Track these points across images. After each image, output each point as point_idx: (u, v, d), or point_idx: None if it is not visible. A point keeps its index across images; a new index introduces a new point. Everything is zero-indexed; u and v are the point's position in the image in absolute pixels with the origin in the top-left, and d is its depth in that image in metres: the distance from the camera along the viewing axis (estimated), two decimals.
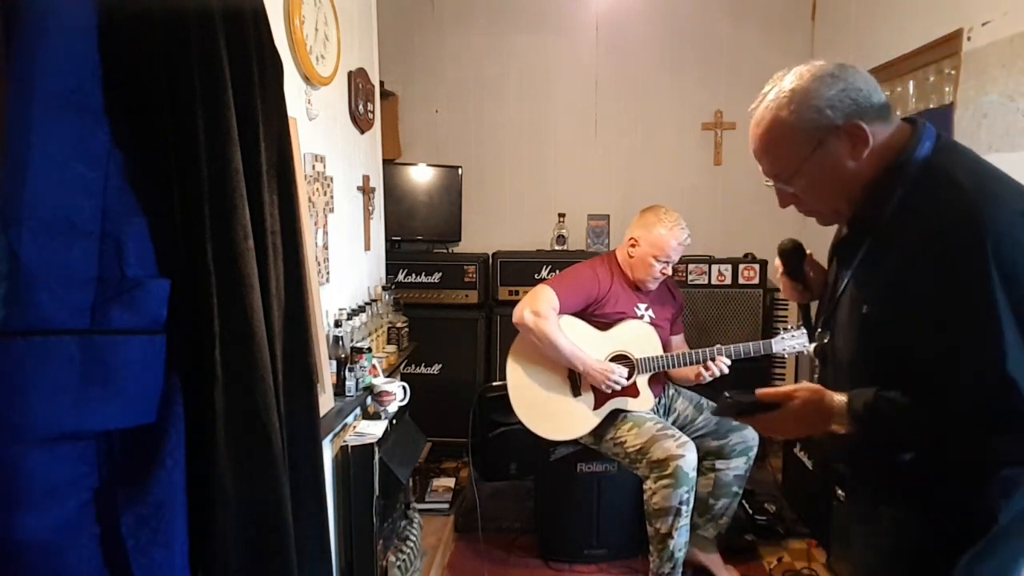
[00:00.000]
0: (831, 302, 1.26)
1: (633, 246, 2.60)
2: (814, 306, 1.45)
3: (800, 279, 1.43)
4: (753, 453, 2.60)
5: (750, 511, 2.89)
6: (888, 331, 1.10)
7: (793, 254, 1.43)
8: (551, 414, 2.58)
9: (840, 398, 1.12)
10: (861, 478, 1.30)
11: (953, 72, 2.33)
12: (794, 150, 1.15)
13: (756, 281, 3.43)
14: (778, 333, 2.49)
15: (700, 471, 2.52)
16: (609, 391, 2.51)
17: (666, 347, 2.67)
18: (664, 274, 2.60)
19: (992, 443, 1.04)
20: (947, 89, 2.41)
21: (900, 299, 1.07)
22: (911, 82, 2.66)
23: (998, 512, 1.07)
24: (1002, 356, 0.97)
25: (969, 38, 2.24)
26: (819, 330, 1.29)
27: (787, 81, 1.15)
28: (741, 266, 3.44)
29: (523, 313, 2.47)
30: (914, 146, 1.12)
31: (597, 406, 2.57)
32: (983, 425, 1.02)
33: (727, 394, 1.23)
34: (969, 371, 1.01)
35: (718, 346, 2.52)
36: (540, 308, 2.46)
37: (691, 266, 3.42)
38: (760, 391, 1.18)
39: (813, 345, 1.31)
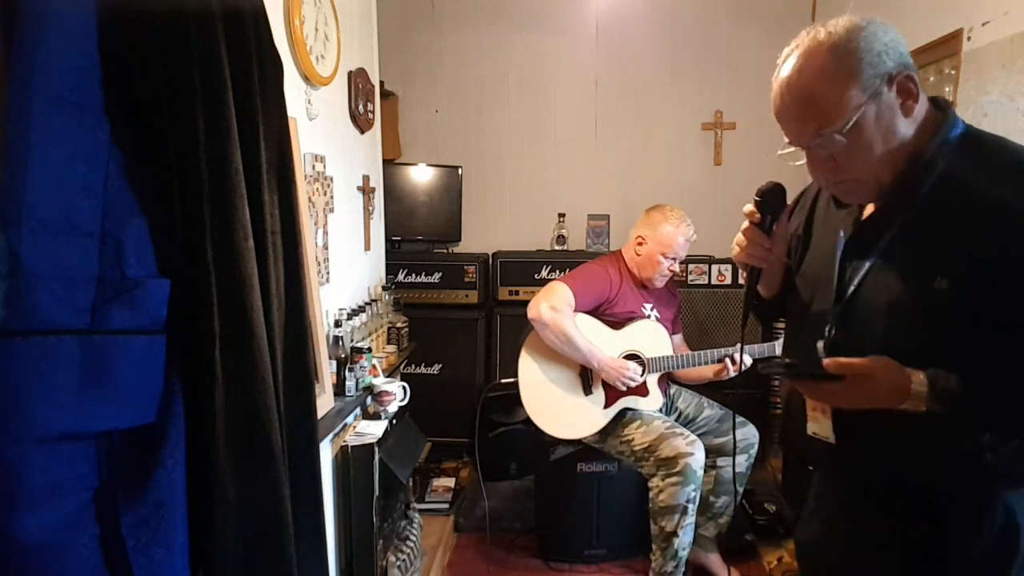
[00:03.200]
0: (841, 295, 1.13)
1: (640, 244, 2.61)
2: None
3: (770, 231, 1.19)
4: (754, 451, 2.61)
5: (750, 511, 2.89)
6: (982, 303, 0.97)
7: (773, 198, 1.18)
8: (561, 411, 2.58)
9: (919, 375, 1.00)
10: (878, 491, 1.19)
11: (953, 72, 2.33)
12: (848, 97, 1.01)
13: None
14: (780, 335, 2.50)
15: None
16: (624, 388, 2.51)
17: (679, 349, 2.68)
18: (671, 271, 2.61)
19: None
20: (947, 89, 2.41)
21: (981, 269, 0.96)
22: None
23: (1020, 530, 1.02)
24: None
25: (969, 38, 2.23)
26: (828, 326, 1.15)
27: (840, 22, 1.04)
28: None
29: (540, 308, 2.46)
30: (951, 124, 1.06)
31: (608, 405, 2.57)
32: None
33: (788, 360, 1.12)
34: None
35: (737, 347, 2.53)
36: (557, 304, 2.46)
37: (691, 266, 3.42)
38: (829, 361, 1.04)
39: (820, 343, 1.14)
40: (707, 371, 2.60)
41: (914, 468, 1.10)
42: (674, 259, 2.59)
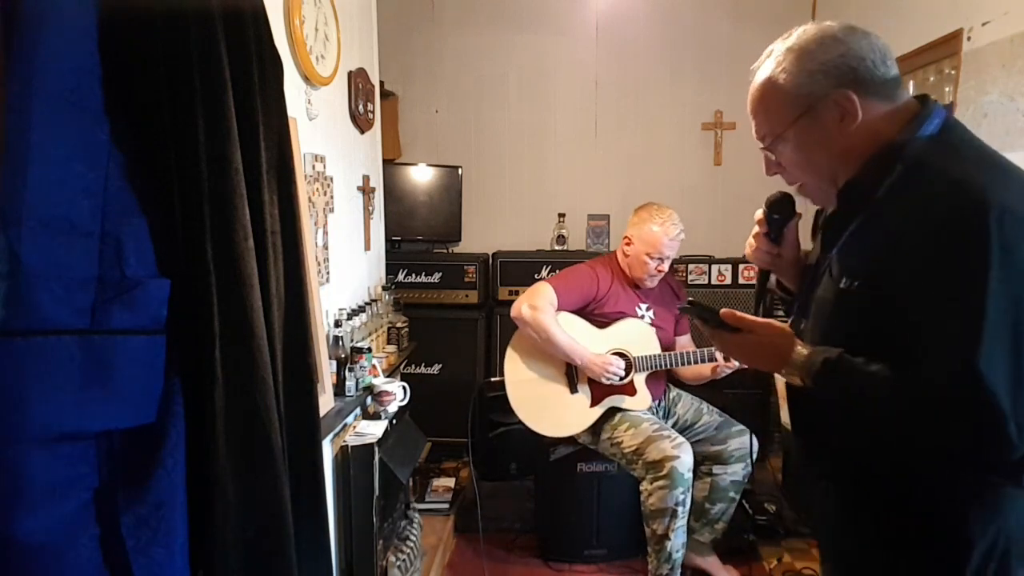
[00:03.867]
0: (810, 284, 1.19)
1: (628, 244, 2.61)
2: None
3: (778, 237, 1.29)
4: (751, 460, 2.60)
5: (750, 511, 2.89)
6: (868, 306, 1.02)
7: (779, 204, 1.27)
8: (548, 410, 2.58)
9: (803, 349, 1.07)
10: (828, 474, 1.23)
11: (953, 72, 2.33)
12: (781, 113, 1.10)
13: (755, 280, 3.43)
14: None
15: (697, 475, 2.52)
16: (607, 383, 2.51)
17: (671, 348, 2.67)
18: (660, 271, 2.60)
19: (946, 440, 0.96)
20: (947, 89, 2.41)
21: (888, 273, 0.99)
22: (911, 82, 2.66)
23: (973, 536, 0.99)
24: (977, 344, 0.89)
25: (969, 38, 2.24)
26: (794, 316, 1.22)
27: (788, 40, 1.11)
28: (741, 266, 3.44)
29: (521, 308, 2.48)
30: (919, 124, 1.05)
31: (594, 403, 2.57)
32: (941, 414, 0.95)
33: (691, 299, 1.21)
34: (940, 351, 0.94)
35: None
36: (537, 302, 2.47)
37: (691, 266, 3.42)
38: (725, 311, 1.15)
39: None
40: (704, 369, 2.60)
41: (847, 458, 1.13)
42: (660, 259, 2.56)
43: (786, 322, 1.26)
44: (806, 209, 1.29)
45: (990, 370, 0.89)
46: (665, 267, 2.61)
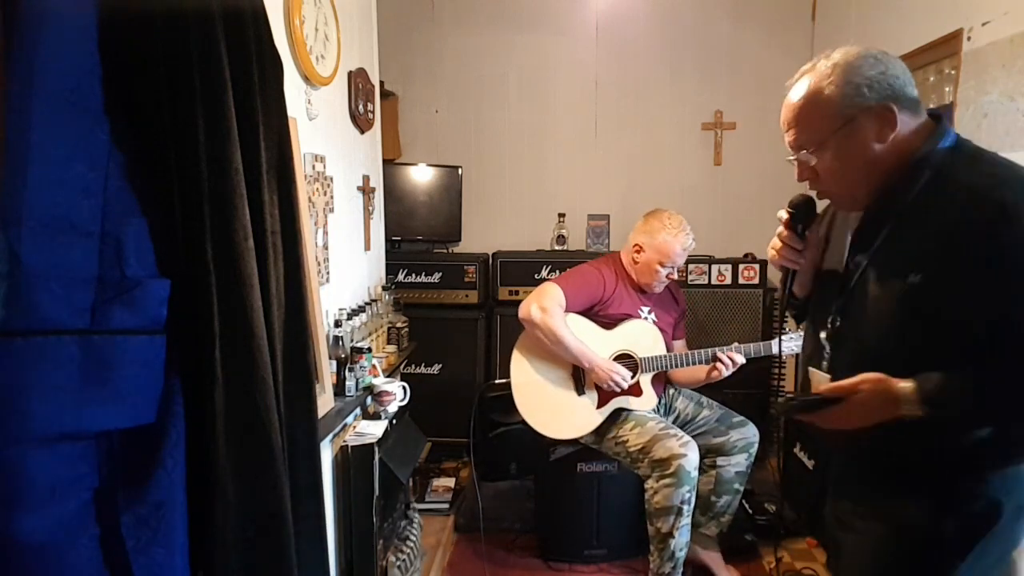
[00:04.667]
0: (844, 288, 1.26)
1: (638, 252, 2.60)
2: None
3: (803, 238, 1.37)
4: (754, 449, 2.61)
5: (750, 511, 2.89)
6: (941, 298, 1.09)
7: (803, 206, 1.35)
8: (554, 411, 2.58)
9: (906, 384, 1.11)
10: (871, 471, 1.29)
11: (953, 72, 2.33)
12: (825, 122, 1.18)
13: (756, 281, 3.43)
14: (776, 335, 2.50)
15: (702, 469, 2.52)
16: (615, 390, 2.51)
17: (668, 351, 2.67)
18: (670, 278, 2.60)
19: None
20: (947, 89, 2.41)
21: (953, 264, 1.08)
22: None
23: (1002, 507, 1.11)
24: None
25: (969, 38, 2.23)
26: (830, 316, 1.28)
27: (834, 56, 1.19)
28: (741, 266, 3.44)
29: (530, 308, 2.47)
30: (939, 137, 1.17)
31: (600, 405, 2.57)
32: None
33: (790, 395, 1.25)
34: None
35: (734, 345, 2.53)
36: (547, 304, 2.46)
37: (691, 266, 3.42)
38: (824, 387, 1.19)
39: (823, 333, 1.29)
40: (700, 372, 2.59)
41: (889, 447, 1.20)
42: (672, 267, 2.58)
43: (785, 323, 1.30)
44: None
45: None
46: (675, 275, 2.62)
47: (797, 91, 1.22)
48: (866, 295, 1.21)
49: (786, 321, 1.36)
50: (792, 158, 1.26)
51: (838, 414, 1.16)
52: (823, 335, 1.29)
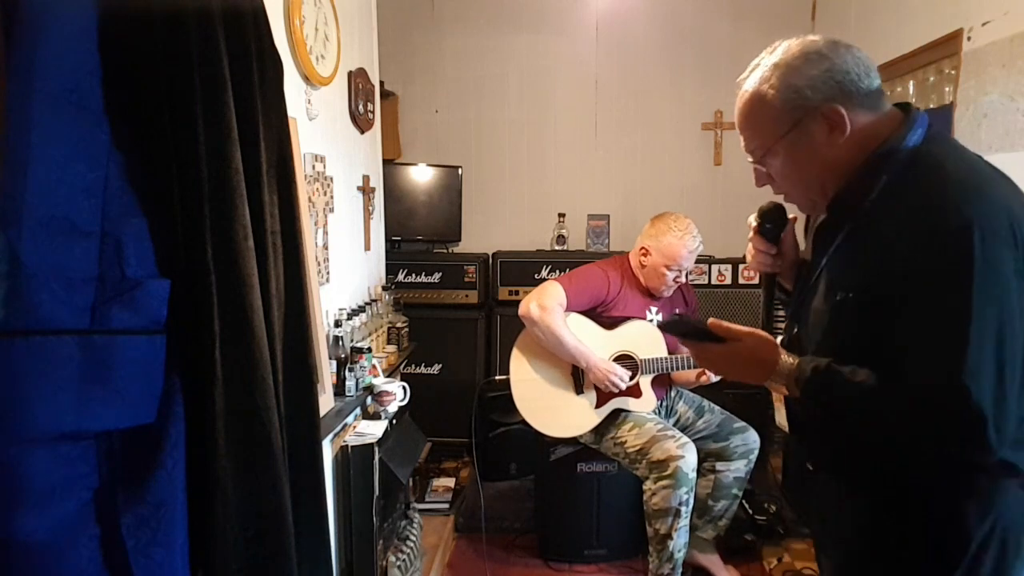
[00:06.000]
0: (803, 291, 1.21)
1: (645, 255, 2.59)
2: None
3: (775, 243, 1.31)
4: (754, 456, 2.60)
5: (750, 511, 2.89)
6: (861, 318, 1.04)
7: (771, 214, 1.30)
8: (552, 410, 2.58)
9: (790, 358, 1.09)
10: (826, 468, 1.26)
11: (953, 72, 2.33)
12: (770, 127, 1.12)
13: (756, 281, 3.43)
14: (776, 335, 2.49)
15: (700, 472, 2.52)
16: (612, 391, 2.51)
17: (676, 350, 2.67)
18: (677, 282, 2.59)
19: (929, 445, 1.01)
20: (947, 89, 2.41)
21: (878, 285, 1.02)
22: (911, 82, 2.66)
23: (971, 529, 1.01)
24: (963, 357, 0.92)
25: (969, 38, 2.23)
26: (788, 322, 1.26)
27: (774, 55, 1.12)
28: (741, 266, 3.44)
29: (529, 306, 2.47)
30: (903, 134, 1.07)
31: (599, 405, 2.57)
32: (926, 424, 0.98)
33: (678, 311, 1.25)
34: (927, 363, 0.96)
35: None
36: (546, 302, 2.46)
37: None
38: (712, 320, 1.15)
39: (780, 337, 1.25)
40: (690, 375, 2.59)
41: (844, 455, 1.16)
42: (679, 271, 2.56)
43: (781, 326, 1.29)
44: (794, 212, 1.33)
45: (974, 382, 0.92)
46: (683, 278, 2.61)
47: (742, 94, 1.15)
48: (813, 304, 1.17)
49: (784, 321, 1.34)
50: (751, 160, 1.19)
51: (714, 353, 1.15)
52: (780, 339, 1.23)
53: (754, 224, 1.31)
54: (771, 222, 1.30)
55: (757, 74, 1.13)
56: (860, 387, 1.02)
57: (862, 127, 1.09)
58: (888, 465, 1.09)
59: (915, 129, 1.08)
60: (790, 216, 1.32)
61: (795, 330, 1.22)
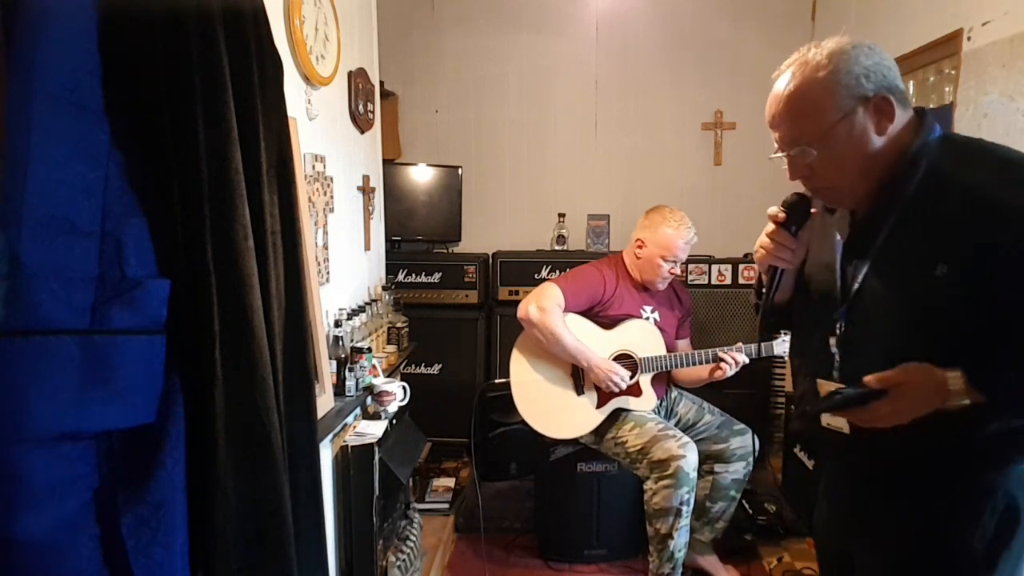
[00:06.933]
0: (846, 293, 1.20)
1: (640, 247, 2.60)
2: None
3: (796, 237, 1.28)
4: (753, 458, 2.60)
5: (750, 511, 2.89)
6: (977, 285, 1.04)
7: (798, 205, 1.27)
8: (553, 411, 2.58)
9: (951, 372, 1.04)
10: (868, 481, 1.27)
11: (953, 72, 2.33)
12: (823, 114, 1.13)
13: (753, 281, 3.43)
14: (778, 335, 2.50)
15: (699, 474, 2.52)
16: (613, 390, 2.51)
17: (671, 350, 2.67)
18: (673, 273, 2.60)
19: None
20: (947, 89, 2.41)
21: (982, 250, 1.04)
22: (911, 82, 2.66)
23: (1020, 508, 1.09)
24: None
25: (969, 38, 2.23)
26: (837, 323, 1.22)
27: (827, 45, 1.14)
28: (741, 266, 3.44)
29: (528, 309, 2.47)
30: (928, 129, 1.15)
31: (600, 405, 2.57)
32: None
33: (835, 389, 1.15)
34: None
35: (737, 345, 2.52)
36: (545, 304, 2.46)
37: (691, 266, 3.41)
38: (869, 378, 1.08)
39: (832, 339, 1.22)
40: (703, 371, 2.59)
41: (917, 452, 1.15)
42: (674, 262, 2.57)
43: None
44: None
45: None
46: (678, 270, 2.62)
47: (787, 83, 1.15)
48: (876, 297, 1.16)
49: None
50: (781, 155, 1.19)
51: (884, 407, 1.08)
52: (832, 341, 1.22)
53: (781, 216, 1.27)
54: (797, 214, 1.27)
55: (805, 62, 1.14)
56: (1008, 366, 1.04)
57: (901, 122, 1.15)
58: (982, 453, 1.12)
59: (934, 126, 1.16)
60: (812, 210, 1.29)
61: (844, 330, 1.20)
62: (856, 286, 1.19)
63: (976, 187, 1.07)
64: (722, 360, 2.49)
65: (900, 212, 1.13)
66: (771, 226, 1.29)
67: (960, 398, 1.04)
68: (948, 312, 1.08)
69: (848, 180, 1.17)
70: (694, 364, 2.57)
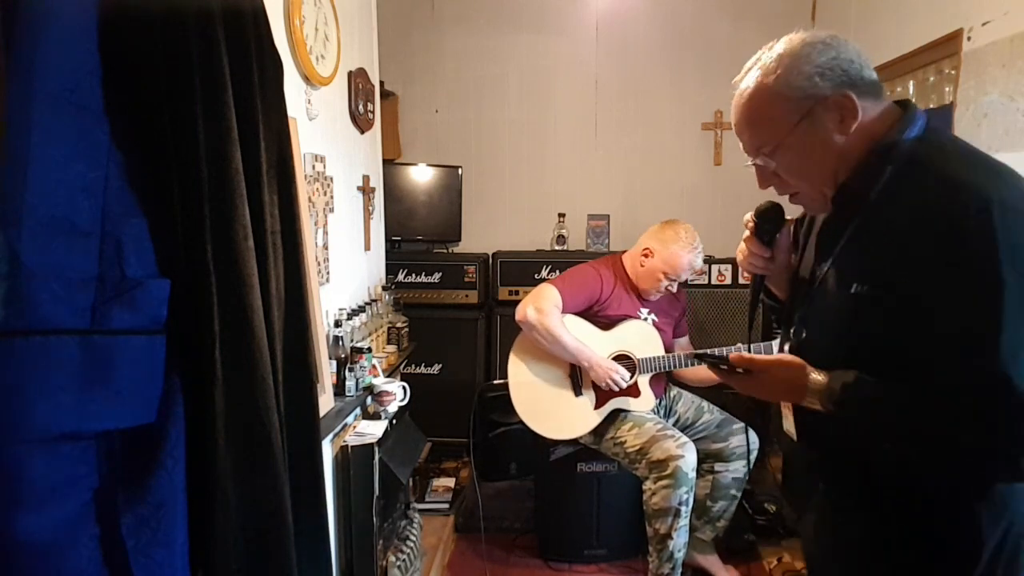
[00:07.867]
0: (807, 294, 1.18)
1: (646, 256, 2.59)
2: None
3: (770, 245, 1.27)
4: (753, 457, 2.60)
5: (750, 511, 2.89)
6: (880, 314, 1.01)
7: (769, 214, 1.26)
8: (552, 412, 2.58)
9: (820, 376, 1.05)
10: (837, 486, 1.23)
11: (953, 72, 2.33)
12: (779, 120, 1.07)
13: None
14: (778, 335, 2.50)
15: (699, 473, 2.52)
16: (612, 389, 2.51)
17: (669, 349, 2.67)
18: (668, 290, 2.60)
19: (982, 443, 0.95)
20: (947, 89, 2.41)
21: (897, 279, 0.99)
22: (911, 82, 2.66)
23: (985, 535, 0.99)
24: (997, 346, 0.89)
25: (969, 38, 2.23)
26: (794, 327, 1.21)
27: (775, 48, 1.09)
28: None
29: (526, 310, 2.47)
30: (904, 126, 1.06)
31: (598, 405, 2.57)
32: (968, 419, 0.94)
33: (707, 350, 1.23)
34: (963, 357, 0.93)
35: (737, 345, 2.52)
36: (543, 305, 2.46)
37: None
38: (734, 355, 1.13)
39: (787, 344, 1.23)
40: (708, 371, 2.59)
41: (860, 464, 1.13)
42: (674, 281, 2.58)
43: (778, 332, 1.27)
44: (790, 214, 1.30)
45: (1014, 368, 0.89)
46: (674, 288, 2.62)
47: (743, 90, 1.11)
48: (823, 304, 1.14)
49: (775, 328, 1.33)
50: (750, 163, 1.14)
51: (746, 383, 1.14)
52: (787, 347, 1.22)
53: (751, 224, 1.27)
54: (768, 222, 1.26)
55: (758, 69, 1.09)
56: (895, 393, 0.99)
57: (869, 117, 1.06)
58: (898, 474, 1.07)
59: (915, 123, 1.07)
60: (788, 217, 1.28)
61: (803, 335, 1.19)
62: (813, 290, 1.17)
63: (916, 206, 0.99)
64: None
65: (859, 219, 1.08)
66: (746, 232, 1.28)
67: (812, 401, 1.06)
68: (863, 334, 1.05)
69: (816, 184, 1.12)
70: (691, 366, 2.57)
